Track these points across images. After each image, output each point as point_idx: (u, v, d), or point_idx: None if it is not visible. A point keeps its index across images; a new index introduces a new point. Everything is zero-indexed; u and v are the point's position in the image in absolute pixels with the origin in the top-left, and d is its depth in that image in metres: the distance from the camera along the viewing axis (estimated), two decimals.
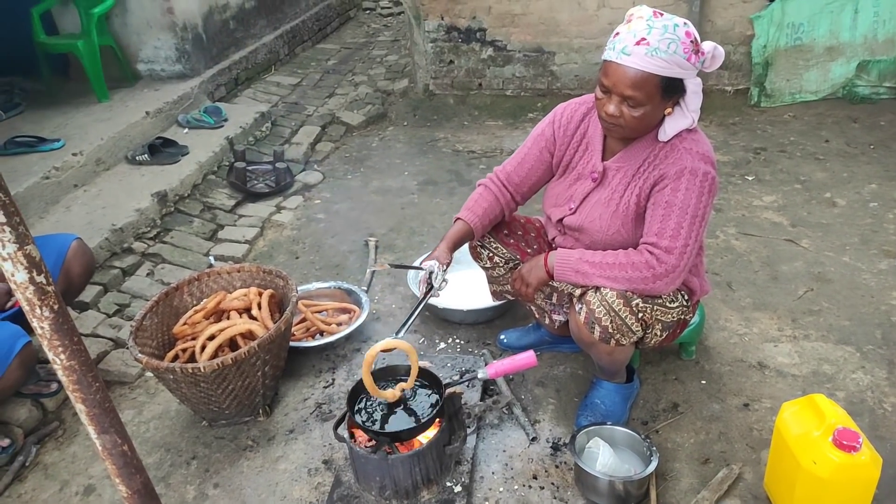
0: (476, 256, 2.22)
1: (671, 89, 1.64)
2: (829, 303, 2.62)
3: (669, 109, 1.70)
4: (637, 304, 1.74)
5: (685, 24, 1.62)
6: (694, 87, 1.68)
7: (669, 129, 1.72)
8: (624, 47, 1.60)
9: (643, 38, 1.57)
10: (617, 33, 1.65)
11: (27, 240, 0.95)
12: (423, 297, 1.91)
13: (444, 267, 1.91)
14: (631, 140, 1.79)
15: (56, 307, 1.00)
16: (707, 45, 1.66)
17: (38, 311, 0.98)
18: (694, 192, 1.69)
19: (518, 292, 1.99)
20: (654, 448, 1.82)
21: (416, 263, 2.02)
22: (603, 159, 1.87)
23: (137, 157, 3.74)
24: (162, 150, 3.82)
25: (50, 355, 1.04)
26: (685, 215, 1.69)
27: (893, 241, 3.01)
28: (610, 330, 1.77)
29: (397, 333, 1.81)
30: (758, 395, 2.18)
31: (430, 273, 1.90)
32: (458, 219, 2.03)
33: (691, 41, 1.60)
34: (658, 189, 1.73)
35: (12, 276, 0.95)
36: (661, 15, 1.62)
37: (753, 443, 2.00)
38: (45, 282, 0.98)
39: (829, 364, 2.30)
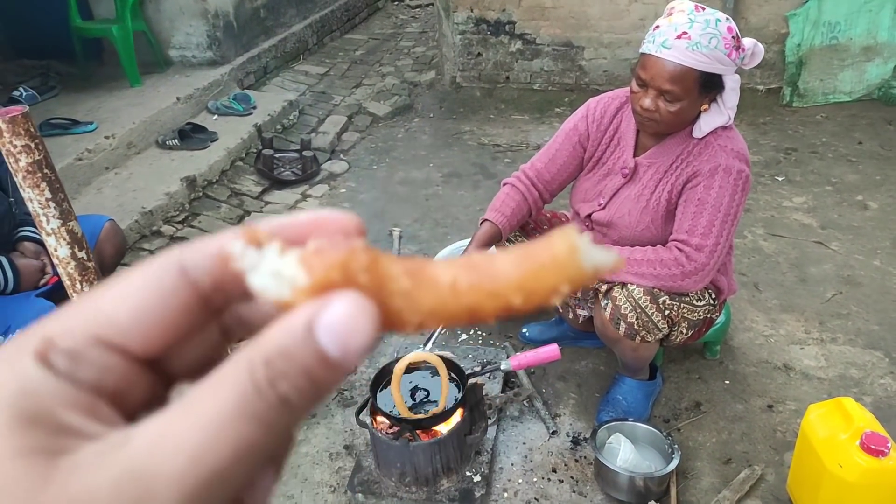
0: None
1: (709, 85, 1.63)
2: (857, 307, 2.58)
3: (706, 106, 1.68)
4: (664, 302, 1.73)
5: (727, 19, 1.60)
6: (732, 84, 1.66)
7: (705, 125, 1.70)
8: (664, 40, 1.58)
9: (684, 32, 1.56)
10: (657, 26, 1.63)
11: (70, 216, 0.98)
12: None
13: None
14: (664, 136, 1.77)
15: (96, 283, 1.03)
16: (747, 42, 1.64)
17: (78, 286, 1.01)
18: (727, 191, 1.67)
19: None
20: (676, 446, 1.81)
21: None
22: (634, 155, 1.85)
23: (167, 142, 3.79)
24: (191, 135, 3.87)
25: None
26: (717, 213, 1.67)
27: None
28: (636, 327, 1.76)
29: (425, 345, 1.82)
30: (782, 397, 2.16)
31: None
32: (486, 220, 1.96)
33: (733, 37, 1.58)
34: (691, 186, 1.72)
35: (55, 251, 0.98)
36: (703, 9, 1.60)
37: (777, 444, 1.98)
38: (86, 258, 1.00)
39: (856, 368, 2.26)
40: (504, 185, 2.05)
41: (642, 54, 1.65)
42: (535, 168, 2.01)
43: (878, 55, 4.42)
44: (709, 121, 1.70)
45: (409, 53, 6.18)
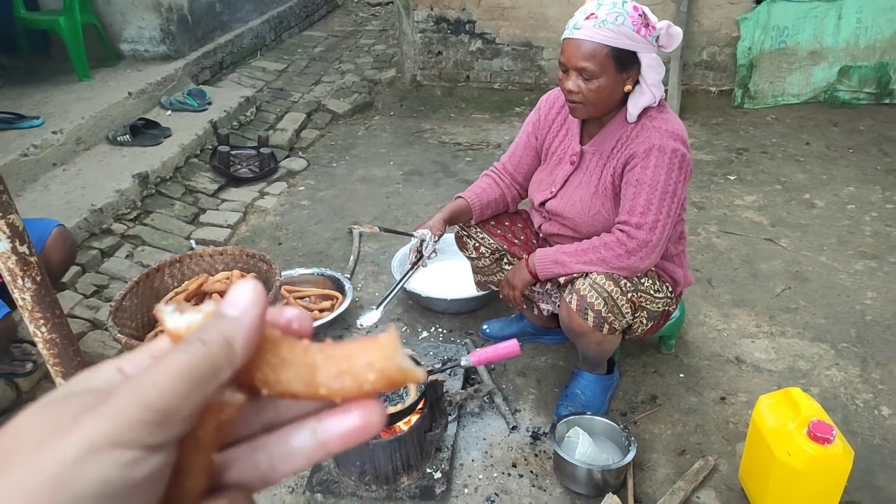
0: (462, 246, 2.22)
1: (624, 61, 1.69)
2: (805, 301, 2.66)
3: (629, 86, 1.74)
4: (625, 285, 1.78)
5: (633, 1, 1.70)
6: (649, 62, 1.71)
7: (632, 107, 1.77)
8: (575, 23, 1.69)
9: (592, 13, 1.67)
10: (573, 16, 1.73)
11: (10, 209, 0.93)
12: (412, 267, 1.94)
13: (436, 238, 1.95)
14: (604, 123, 1.84)
15: (39, 279, 0.99)
16: (661, 22, 1.72)
17: (20, 281, 0.97)
18: (663, 169, 1.72)
19: (507, 297, 2.05)
20: (633, 438, 1.84)
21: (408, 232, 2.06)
22: (581, 143, 1.91)
23: (118, 138, 3.68)
24: (144, 131, 3.77)
25: (31, 328, 1.03)
26: (655, 192, 1.72)
27: (869, 242, 3.07)
28: (603, 314, 1.78)
29: (379, 306, 1.87)
30: (734, 389, 2.21)
31: (422, 241, 1.93)
32: (462, 197, 2.08)
33: (639, 14, 1.67)
34: (629, 168, 1.78)
35: None
36: None
37: (729, 435, 2.03)
38: (27, 252, 0.96)
39: (804, 360, 2.34)
40: (486, 175, 2.16)
41: (562, 42, 1.75)
42: (502, 162, 2.15)
43: (823, 59, 4.58)
44: (635, 102, 1.76)
45: (369, 51, 6.14)
